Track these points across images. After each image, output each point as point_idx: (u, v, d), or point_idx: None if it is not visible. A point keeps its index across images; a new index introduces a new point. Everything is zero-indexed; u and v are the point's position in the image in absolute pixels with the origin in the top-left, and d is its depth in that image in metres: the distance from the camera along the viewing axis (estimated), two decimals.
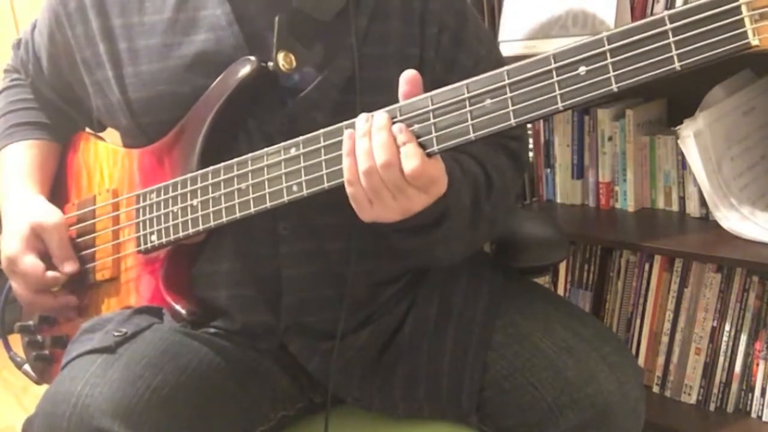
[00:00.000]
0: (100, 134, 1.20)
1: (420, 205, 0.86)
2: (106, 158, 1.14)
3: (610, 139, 1.67)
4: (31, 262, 1.07)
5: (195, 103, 1.00)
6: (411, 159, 0.82)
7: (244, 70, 0.97)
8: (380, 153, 0.83)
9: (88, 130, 1.21)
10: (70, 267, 1.08)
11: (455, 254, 1.02)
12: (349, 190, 0.86)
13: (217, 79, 0.99)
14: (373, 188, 0.84)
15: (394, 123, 0.84)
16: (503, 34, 1.60)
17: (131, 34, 1.04)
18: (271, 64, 0.96)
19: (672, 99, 1.70)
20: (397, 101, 0.86)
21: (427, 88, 1.02)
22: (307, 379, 1.07)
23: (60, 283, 1.08)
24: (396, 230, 0.92)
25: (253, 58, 0.97)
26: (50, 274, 1.07)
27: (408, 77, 0.85)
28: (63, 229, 1.09)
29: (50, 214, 1.10)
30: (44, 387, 1.02)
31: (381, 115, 0.85)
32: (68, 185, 1.19)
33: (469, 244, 1.03)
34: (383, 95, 0.99)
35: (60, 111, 1.20)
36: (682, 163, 1.59)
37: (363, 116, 0.86)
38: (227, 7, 1.01)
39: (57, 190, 1.18)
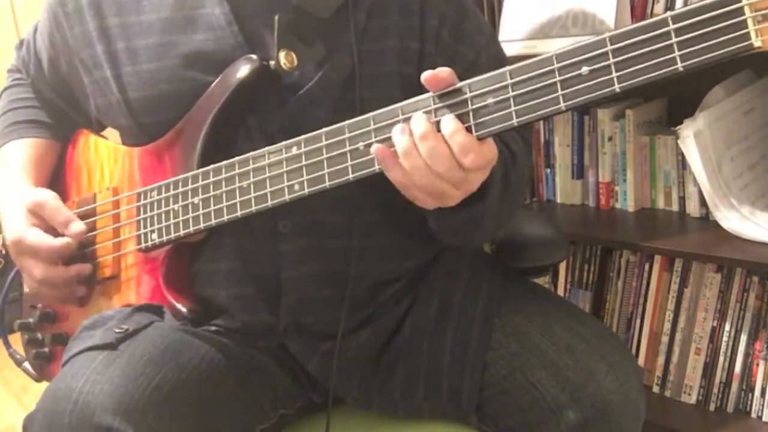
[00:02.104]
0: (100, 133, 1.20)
1: (479, 183, 0.87)
2: (106, 156, 1.14)
3: (610, 139, 1.67)
4: (37, 235, 1.06)
5: (195, 102, 1.00)
6: (469, 153, 0.82)
7: (246, 69, 0.97)
8: (436, 162, 0.83)
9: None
10: (75, 227, 1.07)
11: (488, 232, 1.04)
12: (406, 194, 0.88)
13: (218, 78, 0.99)
14: (435, 192, 0.85)
15: (436, 118, 0.84)
16: (503, 34, 1.60)
17: (129, 34, 1.04)
18: (272, 63, 0.97)
19: (672, 99, 1.70)
20: (396, 96, 0.86)
21: None
22: (307, 379, 1.07)
23: (72, 248, 1.07)
24: (440, 211, 0.92)
25: (254, 57, 0.97)
26: (60, 240, 1.06)
27: (427, 79, 0.84)
28: (57, 200, 1.09)
29: (42, 192, 1.10)
30: (45, 385, 1.02)
31: (419, 122, 0.84)
32: (68, 183, 1.19)
33: (499, 221, 1.03)
34: (383, 90, 0.99)
35: (60, 111, 1.20)
36: (682, 163, 1.59)
37: (398, 128, 0.85)
38: (226, 6, 1.01)
39: (57, 188, 1.17)
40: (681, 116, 1.47)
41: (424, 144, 0.83)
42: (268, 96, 0.99)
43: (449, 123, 0.83)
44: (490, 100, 0.81)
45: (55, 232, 1.08)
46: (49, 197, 1.09)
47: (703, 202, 1.55)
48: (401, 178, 0.85)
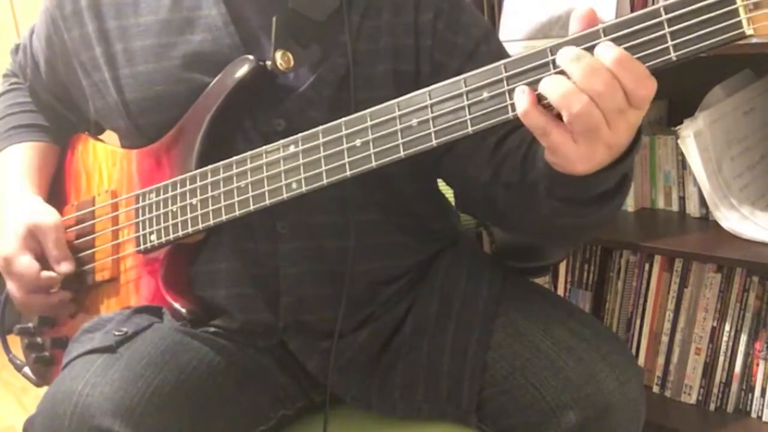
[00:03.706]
0: (98, 136, 1.20)
1: (630, 131, 0.77)
2: (104, 159, 1.14)
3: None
4: (26, 263, 1.06)
5: (192, 103, 1.00)
6: (645, 78, 0.73)
7: (243, 69, 0.97)
8: (594, 81, 0.72)
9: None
10: (65, 267, 1.07)
11: (610, 215, 0.94)
12: (543, 142, 0.78)
13: (216, 79, 0.99)
14: (589, 127, 0.74)
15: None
16: (503, 34, 1.60)
17: (127, 36, 1.04)
18: (269, 63, 0.97)
19: (672, 99, 1.70)
20: (391, 96, 0.86)
21: (427, 76, 1.02)
22: (307, 378, 1.07)
23: (55, 283, 1.07)
24: (594, 196, 0.85)
25: (251, 57, 0.98)
26: (45, 274, 1.06)
27: (582, 15, 0.76)
28: (59, 230, 1.09)
29: (47, 215, 1.09)
30: (45, 388, 1.02)
31: (566, 50, 0.74)
32: (67, 187, 1.19)
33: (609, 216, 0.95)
34: (378, 90, 1.00)
35: (58, 114, 1.20)
36: (682, 163, 1.59)
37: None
38: (223, 7, 1.01)
39: (56, 192, 1.17)
40: (681, 116, 1.47)
41: (579, 64, 0.73)
42: (265, 97, 1.00)
43: (608, 48, 0.73)
44: (486, 95, 0.81)
45: (47, 260, 1.08)
46: (51, 223, 1.08)
47: (703, 202, 1.55)
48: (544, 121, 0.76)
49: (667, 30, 0.72)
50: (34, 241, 1.08)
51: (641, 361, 1.61)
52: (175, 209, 1.01)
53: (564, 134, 0.76)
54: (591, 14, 0.76)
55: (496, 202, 1.00)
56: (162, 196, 1.03)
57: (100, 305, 1.11)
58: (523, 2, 1.59)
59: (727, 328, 1.49)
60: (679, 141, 1.47)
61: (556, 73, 0.76)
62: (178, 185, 1.01)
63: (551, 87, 0.74)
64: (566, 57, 0.74)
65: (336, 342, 1.02)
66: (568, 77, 0.74)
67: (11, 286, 1.08)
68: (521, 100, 0.77)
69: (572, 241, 1.03)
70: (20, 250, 1.06)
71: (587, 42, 0.76)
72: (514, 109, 0.79)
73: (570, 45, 0.76)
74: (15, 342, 1.22)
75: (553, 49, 0.77)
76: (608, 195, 0.85)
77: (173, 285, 1.03)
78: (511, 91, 0.79)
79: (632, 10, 1.45)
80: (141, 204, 1.05)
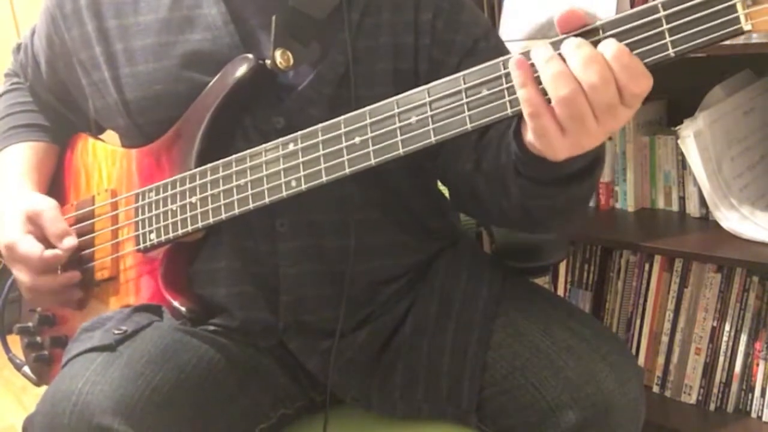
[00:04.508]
0: (99, 135, 1.20)
1: (618, 127, 0.77)
2: (104, 158, 1.14)
3: (610, 139, 1.67)
4: (29, 244, 1.06)
5: (192, 102, 1.01)
6: (640, 76, 0.73)
7: (242, 68, 0.97)
8: (590, 72, 0.73)
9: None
10: (68, 242, 1.06)
11: (586, 199, 0.95)
12: (532, 124, 0.77)
13: (215, 78, 0.99)
14: (574, 114, 0.74)
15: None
16: (503, 34, 1.60)
17: (127, 35, 1.04)
18: (268, 61, 0.97)
19: (672, 99, 1.70)
20: (391, 93, 0.86)
21: (425, 73, 1.02)
22: (307, 378, 1.07)
23: (61, 260, 1.07)
24: (562, 177, 0.85)
25: (250, 56, 0.98)
26: (49, 252, 1.06)
27: (564, 17, 0.76)
28: (56, 210, 1.09)
29: (43, 200, 1.10)
30: (45, 387, 1.02)
31: (571, 39, 0.75)
32: (67, 186, 1.19)
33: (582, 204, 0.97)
34: (377, 87, 1.00)
35: (58, 113, 1.20)
36: (682, 163, 1.59)
37: (541, 43, 0.76)
38: (222, 6, 1.01)
39: (55, 192, 1.17)
40: (681, 116, 1.47)
41: (579, 51, 0.74)
42: (265, 95, 1.00)
43: (609, 42, 0.74)
44: (485, 92, 0.81)
45: (49, 242, 1.07)
46: (48, 206, 1.09)
47: (703, 202, 1.55)
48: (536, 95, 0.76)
49: (665, 26, 0.72)
50: (33, 226, 1.08)
51: (641, 361, 1.61)
52: (174, 208, 1.01)
53: (554, 121, 0.76)
54: (572, 14, 0.76)
55: (478, 193, 1.00)
56: (161, 195, 1.03)
57: (99, 304, 1.11)
58: (523, 2, 1.59)
59: (727, 328, 1.49)
60: (679, 141, 1.47)
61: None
62: (178, 184, 1.01)
63: (544, 63, 0.75)
64: (569, 45, 0.75)
65: (336, 342, 1.02)
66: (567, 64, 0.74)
67: (18, 274, 1.08)
68: (518, 73, 0.77)
69: (551, 226, 1.03)
70: (22, 235, 1.06)
71: (586, 39, 0.76)
72: (512, 106, 0.79)
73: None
74: (15, 341, 1.22)
75: (553, 45, 0.77)
76: (580, 174, 0.85)
77: (173, 283, 1.03)
78: (510, 89, 0.79)
79: (632, 8, 1.46)
80: (141, 203, 1.05)
